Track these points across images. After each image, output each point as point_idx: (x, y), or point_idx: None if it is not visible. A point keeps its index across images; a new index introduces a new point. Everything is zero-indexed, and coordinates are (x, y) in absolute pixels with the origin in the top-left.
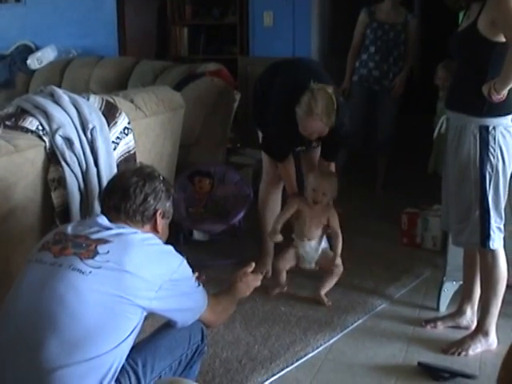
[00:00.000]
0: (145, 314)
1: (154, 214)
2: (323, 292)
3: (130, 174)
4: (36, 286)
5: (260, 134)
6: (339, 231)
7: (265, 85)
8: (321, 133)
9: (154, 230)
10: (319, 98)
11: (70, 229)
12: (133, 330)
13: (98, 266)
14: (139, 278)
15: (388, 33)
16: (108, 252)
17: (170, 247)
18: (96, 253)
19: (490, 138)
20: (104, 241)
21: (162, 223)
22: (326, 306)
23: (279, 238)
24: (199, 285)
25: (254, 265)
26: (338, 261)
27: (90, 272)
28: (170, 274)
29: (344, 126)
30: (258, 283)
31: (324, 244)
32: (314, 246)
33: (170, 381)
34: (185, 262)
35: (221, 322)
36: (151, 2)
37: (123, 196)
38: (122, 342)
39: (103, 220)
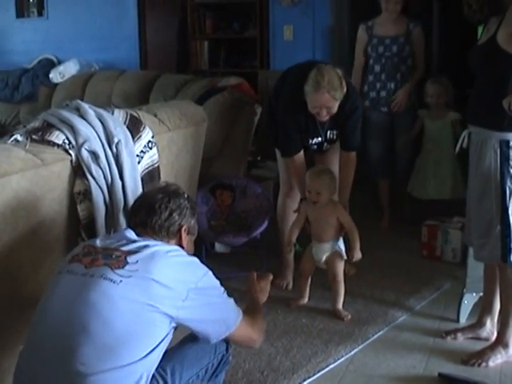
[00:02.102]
0: (173, 324)
1: (179, 229)
2: (339, 306)
3: (156, 192)
4: (68, 295)
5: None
6: (353, 225)
7: (277, 89)
8: (330, 108)
9: (179, 245)
10: (325, 72)
11: (98, 242)
12: (162, 340)
13: (128, 276)
14: (166, 286)
15: (390, 47)
16: (137, 262)
17: (195, 258)
18: (126, 263)
19: (511, 153)
20: (133, 252)
21: (186, 239)
22: (345, 322)
23: (292, 248)
24: (230, 296)
25: (271, 277)
26: (358, 254)
27: (121, 281)
28: (195, 282)
29: (355, 104)
30: (269, 285)
31: (336, 246)
32: (323, 247)
33: None
34: (210, 272)
35: (259, 340)
36: (172, 16)
37: (149, 211)
38: (152, 350)
39: (131, 234)
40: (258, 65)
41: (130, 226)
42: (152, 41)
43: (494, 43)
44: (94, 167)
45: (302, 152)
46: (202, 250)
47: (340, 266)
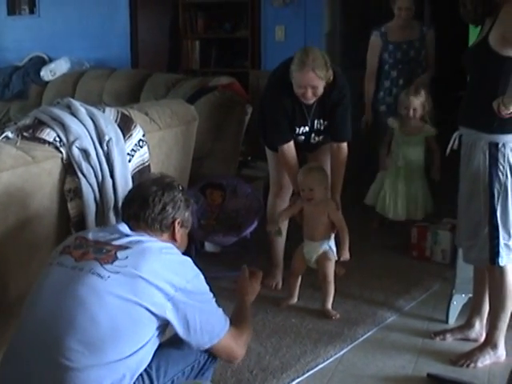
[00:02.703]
0: (159, 323)
1: (173, 222)
2: (328, 305)
3: (150, 184)
4: (57, 288)
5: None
6: (343, 224)
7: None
8: (315, 88)
9: (173, 238)
10: (310, 52)
11: (91, 234)
12: (149, 340)
13: (116, 271)
14: (153, 285)
15: (408, 52)
16: (127, 257)
17: (188, 258)
18: (115, 258)
19: (500, 155)
20: (124, 247)
21: (180, 232)
22: (333, 321)
23: (276, 227)
24: (219, 306)
25: (261, 274)
26: (346, 255)
27: (109, 277)
28: (184, 283)
29: (342, 92)
30: (259, 283)
31: (327, 245)
32: (314, 246)
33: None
34: (201, 276)
35: (241, 356)
36: (164, 15)
37: (142, 204)
38: (138, 350)
39: (124, 227)
40: (249, 65)
41: (123, 218)
42: (143, 40)
43: (486, 44)
44: (84, 165)
45: (291, 143)
46: (192, 249)
47: (331, 266)
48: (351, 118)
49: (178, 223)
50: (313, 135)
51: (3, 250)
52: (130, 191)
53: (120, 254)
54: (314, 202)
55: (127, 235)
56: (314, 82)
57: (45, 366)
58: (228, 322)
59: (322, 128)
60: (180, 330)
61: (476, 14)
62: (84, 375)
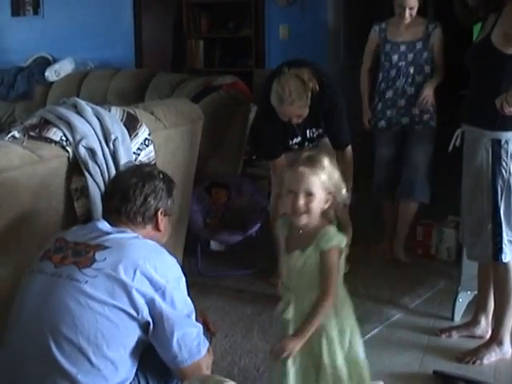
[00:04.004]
0: (140, 327)
1: (156, 213)
2: None
3: (129, 176)
4: (39, 297)
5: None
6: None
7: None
8: (300, 114)
9: (156, 229)
10: (285, 83)
11: (70, 235)
12: (134, 346)
13: (94, 276)
14: (132, 287)
15: (405, 55)
16: (105, 259)
17: (173, 259)
18: (94, 260)
19: (503, 152)
20: (102, 247)
21: (164, 221)
22: None
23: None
24: (199, 322)
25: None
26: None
27: (87, 282)
28: (164, 283)
29: (334, 100)
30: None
31: None
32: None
33: (202, 377)
34: (183, 279)
35: None
36: (167, 15)
37: (123, 198)
38: (124, 356)
39: (103, 224)
40: (253, 64)
41: (103, 212)
42: (147, 40)
43: (489, 42)
44: (91, 164)
45: (282, 156)
46: (197, 248)
47: None
48: (348, 120)
49: (161, 213)
50: (306, 143)
51: (10, 249)
52: (108, 184)
53: (98, 256)
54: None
55: (108, 233)
56: (295, 113)
57: (37, 376)
58: (206, 346)
59: (315, 136)
60: (153, 337)
61: (477, 13)
62: (73, 381)
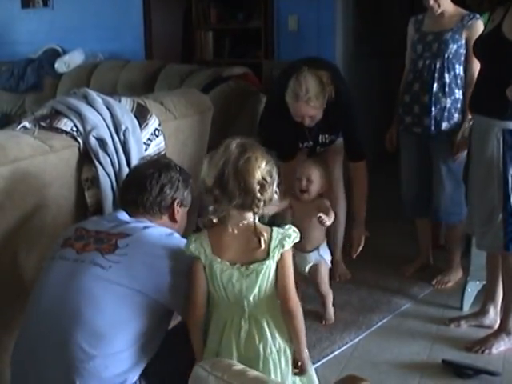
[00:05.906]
0: (162, 310)
1: (172, 203)
2: (328, 314)
3: (146, 167)
4: (61, 281)
5: None
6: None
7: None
8: (313, 116)
9: (173, 219)
10: (303, 80)
11: (90, 225)
12: (154, 327)
13: (117, 261)
14: (154, 271)
15: (430, 45)
16: (127, 245)
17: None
18: (116, 247)
19: None
20: (124, 235)
21: (180, 212)
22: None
23: None
24: None
25: None
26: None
27: (110, 267)
28: (180, 268)
29: (345, 108)
30: None
31: (318, 256)
32: (306, 257)
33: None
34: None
35: None
36: (177, 6)
37: (139, 189)
38: (142, 339)
39: (123, 215)
40: (262, 55)
41: (121, 204)
42: (157, 31)
43: (499, 33)
44: (101, 154)
45: (294, 160)
46: None
47: (324, 277)
48: (361, 131)
49: (178, 203)
50: (318, 147)
51: (21, 239)
52: (126, 176)
53: (120, 243)
54: (307, 197)
55: (127, 222)
56: (309, 112)
57: (55, 360)
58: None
59: (328, 141)
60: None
61: (487, 2)
62: (90, 365)
